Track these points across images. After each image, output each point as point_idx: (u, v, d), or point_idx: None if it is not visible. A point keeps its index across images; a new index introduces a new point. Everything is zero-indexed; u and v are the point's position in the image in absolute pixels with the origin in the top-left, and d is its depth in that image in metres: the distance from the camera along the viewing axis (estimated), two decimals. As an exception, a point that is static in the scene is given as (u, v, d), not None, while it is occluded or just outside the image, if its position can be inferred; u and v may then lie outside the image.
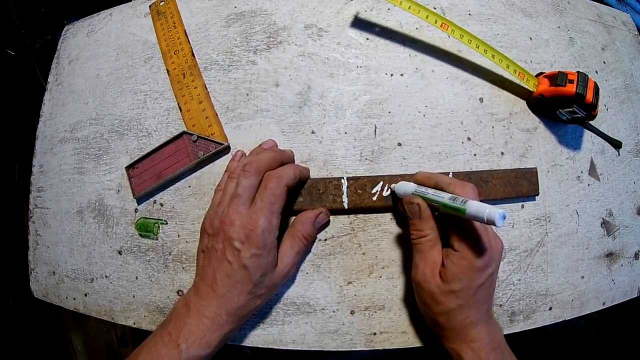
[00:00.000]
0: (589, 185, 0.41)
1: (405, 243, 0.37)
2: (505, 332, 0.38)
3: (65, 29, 0.48)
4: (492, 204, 0.38)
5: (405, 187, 0.33)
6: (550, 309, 0.39)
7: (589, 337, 0.94)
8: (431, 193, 0.30)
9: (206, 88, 0.40)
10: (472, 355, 0.29)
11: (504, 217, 0.25)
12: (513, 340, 0.37)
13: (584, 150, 0.42)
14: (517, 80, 0.39)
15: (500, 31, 0.42)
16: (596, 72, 0.44)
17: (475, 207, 0.26)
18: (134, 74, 0.43)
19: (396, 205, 0.36)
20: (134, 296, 0.39)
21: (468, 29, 0.37)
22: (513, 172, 0.38)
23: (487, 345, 0.30)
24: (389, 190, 0.36)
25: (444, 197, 0.29)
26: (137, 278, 0.39)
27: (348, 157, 0.38)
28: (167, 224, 0.39)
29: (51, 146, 0.44)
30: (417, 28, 0.41)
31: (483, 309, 0.30)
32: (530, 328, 0.39)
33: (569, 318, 0.39)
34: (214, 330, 0.30)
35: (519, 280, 0.39)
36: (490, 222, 0.25)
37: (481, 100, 0.40)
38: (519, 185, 0.38)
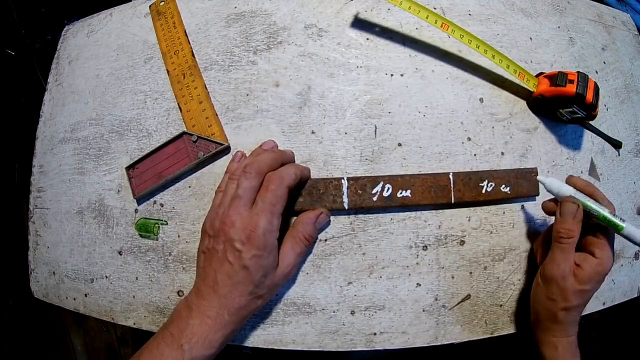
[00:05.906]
0: (589, 185, 0.41)
1: (407, 244, 0.37)
2: (505, 332, 0.38)
3: (65, 29, 0.48)
4: (491, 204, 0.38)
5: (561, 187, 0.34)
6: (551, 309, 0.39)
7: (589, 337, 0.94)
8: (592, 202, 0.33)
9: (206, 88, 0.40)
10: (567, 348, 0.33)
11: None
12: (513, 340, 0.37)
13: (584, 150, 0.42)
14: (517, 81, 0.39)
15: (500, 31, 0.42)
16: (596, 72, 0.44)
17: (631, 228, 0.31)
18: (134, 74, 0.42)
19: (393, 206, 0.36)
20: (134, 296, 0.39)
21: (468, 29, 0.37)
22: (513, 172, 0.38)
23: (574, 342, 0.34)
24: (389, 190, 0.36)
25: (604, 210, 0.32)
26: (137, 278, 0.39)
27: (348, 157, 0.38)
28: (167, 224, 0.39)
29: (51, 146, 0.44)
30: (417, 28, 0.41)
31: (582, 311, 0.34)
32: (531, 328, 0.39)
33: (569, 318, 0.39)
34: (216, 330, 0.30)
35: (519, 280, 0.39)
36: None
37: (481, 100, 0.40)
38: (519, 186, 0.38)
